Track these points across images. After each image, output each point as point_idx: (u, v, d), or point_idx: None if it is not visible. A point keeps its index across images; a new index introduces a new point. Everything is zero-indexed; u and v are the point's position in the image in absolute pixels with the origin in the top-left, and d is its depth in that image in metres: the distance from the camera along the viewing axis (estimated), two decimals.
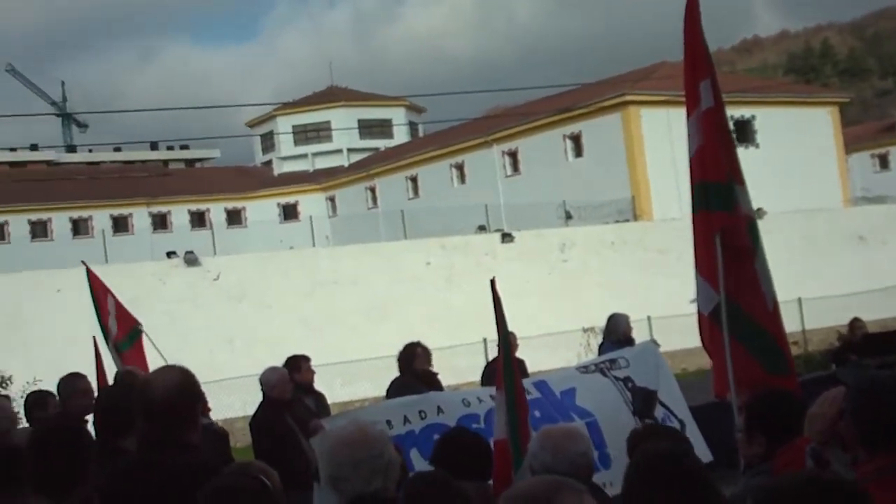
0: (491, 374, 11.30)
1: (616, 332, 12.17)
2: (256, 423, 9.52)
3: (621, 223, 40.39)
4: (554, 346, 26.29)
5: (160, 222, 64.69)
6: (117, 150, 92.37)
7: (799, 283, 29.76)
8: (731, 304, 6.62)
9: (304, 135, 71.18)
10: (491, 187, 51.12)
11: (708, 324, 6.86)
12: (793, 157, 46.77)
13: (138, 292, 24.84)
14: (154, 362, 10.60)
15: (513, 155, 52.08)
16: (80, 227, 62.26)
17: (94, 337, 10.31)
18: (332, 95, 73.74)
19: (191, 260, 31.95)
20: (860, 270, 37.04)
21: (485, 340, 25.96)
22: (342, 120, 69.33)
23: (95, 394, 8.19)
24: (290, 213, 66.37)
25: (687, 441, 6.25)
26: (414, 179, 59.01)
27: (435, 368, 10.96)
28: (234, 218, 66.57)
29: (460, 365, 21.10)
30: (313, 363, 10.46)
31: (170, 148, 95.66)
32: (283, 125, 71.16)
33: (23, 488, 4.45)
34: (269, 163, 73.81)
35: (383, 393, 10.65)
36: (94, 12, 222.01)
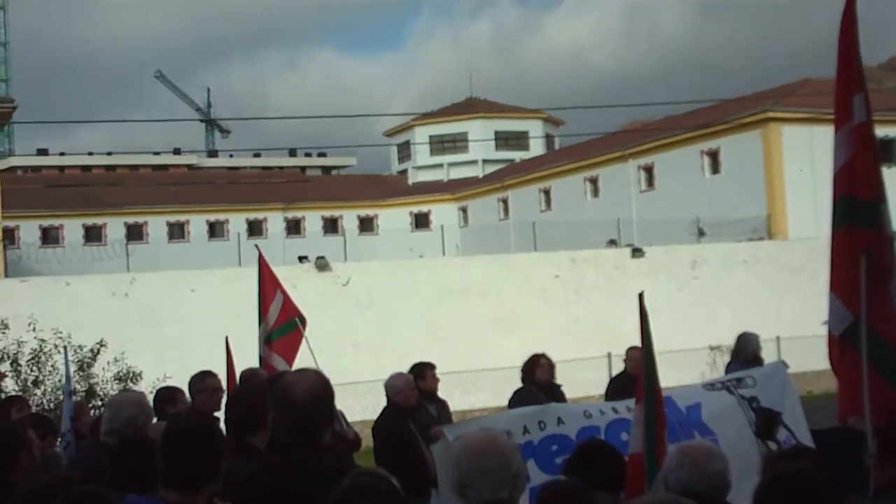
0: (618, 388, 11.24)
1: (745, 352, 11.97)
2: (380, 427, 9.60)
3: (755, 241, 39.67)
4: (679, 364, 25.91)
5: (294, 227, 65.72)
6: (257, 155, 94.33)
7: None
8: (868, 325, 6.47)
9: (440, 145, 71.58)
10: (624, 202, 50.72)
11: (838, 344, 6.71)
12: None
13: None
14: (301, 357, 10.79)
15: (648, 170, 51.58)
16: (216, 230, 63.63)
17: (226, 337, 10.46)
18: (471, 107, 73.95)
19: (322, 265, 32.44)
20: None
21: (609, 355, 25.78)
22: (479, 131, 69.53)
23: (225, 393, 8.39)
24: (421, 222, 66.83)
25: (824, 464, 6.13)
26: (547, 192, 58.86)
27: (558, 381, 10.95)
28: (366, 225, 67.31)
29: (584, 378, 20.99)
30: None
31: (308, 155, 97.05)
32: (421, 135, 71.66)
33: (155, 482, 4.56)
34: (404, 172, 74.40)
35: (502, 403, 10.66)
36: (242, 21, 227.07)
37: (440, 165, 71.36)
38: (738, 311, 31.13)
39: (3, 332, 20.60)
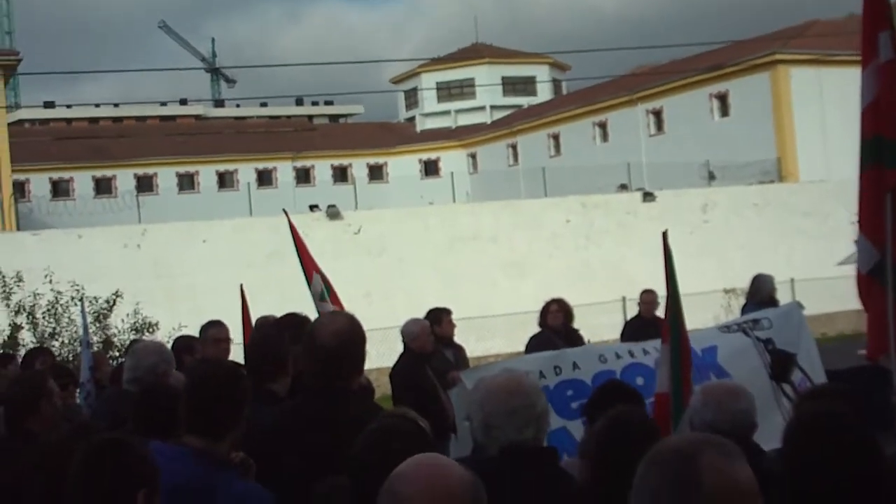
0: (633, 331, 11.24)
1: (760, 293, 11.94)
2: (397, 373, 9.61)
3: (766, 184, 39.50)
4: (694, 307, 25.77)
5: (304, 176, 65.74)
6: (263, 105, 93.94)
7: None
8: (894, 262, 6.43)
9: (447, 91, 71.32)
10: (633, 146, 50.56)
11: (866, 282, 6.67)
12: None
13: (281, 245, 25.31)
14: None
15: (657, 114, 51.37)
16: (225, 180, 63.72)
17: (241, 285, 10.39)
18: (477, 52, 73.59)
19: (333, 213, 32.45)
20: None
21: (623, 299, 25.74)
22: (486, 77, 69.13)
23: (236, 341, 8.40)
24: (431, 169, 66.74)
25: (856, 403, 6.11)
26: (556, 137, 58.68)
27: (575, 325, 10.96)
28: (375, 173, 67.26)
29: (597, 323, 20.98)
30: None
31: (315, 104, 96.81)
32: (427, 82, 71.35)
33: (178, 428, 4.55)
34: (412, 119, 74.19)
35: (517, 349, 10.65)
36: None
37: (448, 112, 71.17)
38: (750, 254, 31.07)
39: (19, 285, 20.65)
